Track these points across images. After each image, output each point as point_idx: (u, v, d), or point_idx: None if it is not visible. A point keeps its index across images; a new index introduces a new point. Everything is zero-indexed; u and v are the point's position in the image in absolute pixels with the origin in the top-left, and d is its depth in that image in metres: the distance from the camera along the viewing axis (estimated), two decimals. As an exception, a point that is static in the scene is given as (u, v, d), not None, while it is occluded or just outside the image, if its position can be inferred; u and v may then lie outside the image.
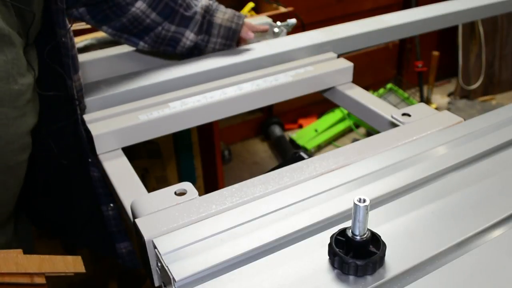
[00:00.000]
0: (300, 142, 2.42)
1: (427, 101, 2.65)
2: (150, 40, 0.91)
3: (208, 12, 0.93)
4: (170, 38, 0.92)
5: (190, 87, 0.88)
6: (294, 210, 0.56)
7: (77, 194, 0.84)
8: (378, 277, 0.46)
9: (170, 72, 0.91)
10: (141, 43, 0.91)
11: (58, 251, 1.38)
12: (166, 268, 0.48)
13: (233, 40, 0.97)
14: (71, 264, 0.56)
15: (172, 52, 0.95)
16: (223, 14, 0.95)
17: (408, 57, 2.76)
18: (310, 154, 0.71)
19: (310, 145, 2.39)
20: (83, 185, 0.80)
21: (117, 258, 0.84)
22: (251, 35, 0.98)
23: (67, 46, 0.71)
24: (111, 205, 0.80)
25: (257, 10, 1.86)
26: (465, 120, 0.74)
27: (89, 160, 0.78)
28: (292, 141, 2.46)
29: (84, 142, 0.77)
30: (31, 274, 0.52)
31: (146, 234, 0.52)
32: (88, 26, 1.44)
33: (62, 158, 0.78)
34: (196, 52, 0.96)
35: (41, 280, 0.52)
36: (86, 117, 0.79)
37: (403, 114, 0.78)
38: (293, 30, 1.13)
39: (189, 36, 0.92)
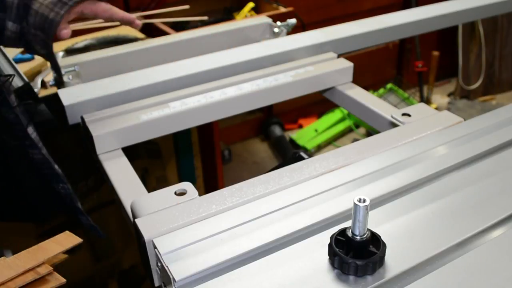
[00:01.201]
0: (300, 142, 2.42)
1: (427, 101, 2.65)
2: None
3: None
4: None
5: (190, 87, 0.88)
6: (294, 210, 0.56)
7: (23, 176, 0.79)
8: (378, 277, 0.46)
9: (170, 72, 0.91)
10: None
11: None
12: (166, 268, 0.48)
13: (48, 36, 0.73)
14: (65, 241, 0.58)
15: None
16: None
17: (408, 57, 2.76)
18: (310, 154, 0.71)
19: (310, 145, 2.39)
20: (26, 167, 0.75)
21: (83, 227, 0.82)
22: (65, 34, 0.76)
23: None
24: (61, 185, 0.77)
25: (257, 10, 1.86)
26: (465, 120, 0.74)
27: (26, 143, 0.71)
28: (292, 141, 2.46)
29: (20, 125, 0.69)
30: (33, 269, 0.53)
31: (146, 234, 0.52)
32: (88, 26, 1.44)
33: None
34: (23, 43, 0.76)
35: (46, 269, 0.53)
36: (86, 117, 0.80)
37: (403, 114, 0.78)
38: (293, 30, 1.13)
39: (9, 26, 0.73)
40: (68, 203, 0.80)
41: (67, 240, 0.58)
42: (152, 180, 1.56)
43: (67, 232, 0.59)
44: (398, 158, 0.65)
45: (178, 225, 0.54)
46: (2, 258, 0.53)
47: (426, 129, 0.72)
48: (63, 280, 0.54)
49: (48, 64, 1.27)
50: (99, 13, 0.77)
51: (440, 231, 0.52)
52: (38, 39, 0.73)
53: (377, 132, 0.80)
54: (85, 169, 1.30)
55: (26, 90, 0.86)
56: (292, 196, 0.58)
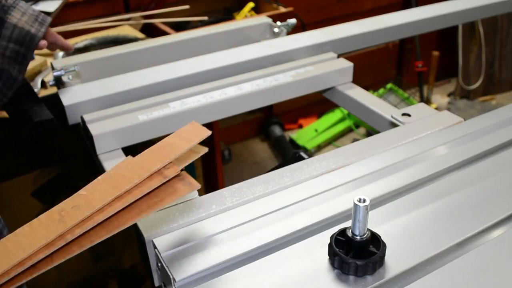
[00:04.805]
0: (300, 142, 2.42)
1: (427, 101, 2.65)
2: None
3: (0, 8, 0.76)
4: None
5: (190, 87, 0.88)
6: (294, 210, 0.56)
7: None
8: (378, 277, 0.46)
9: (170, 72, 0.91)
10: None
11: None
12: (166, 268, 0.48)
13: (29, 49, 0.78)
14: (192, 135, 0.49)
15: None
16: (21, 14, 0.77)
17: (408, 57, 2.76)
18: (310, 154, 0.71)
19: (310, 145, 2.39)
20: None
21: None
22: (43, 45, 0.81)
23: None
24: None
25: (257, 10, 1.86)
26: (465, 120, 0.74)
27: None
28: (292, 141, 2.45)
29: None
30: (159, 171, 0.45)
31: (146, 234, 0.52)
32: (88, 26, 1.44)
33: None
34: None
35: (174, 171, 0.46)
36: (86, 117, 0.80)
37: (403, 114, 0.78)
38: (293, 30, 1.13)
39: None
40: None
41: (194, 133, 0.49)
42: (152, 180, 1.56)
43: (193, 122, 0.51)
44: (398, 158, 0.65)
45: (178, 225, 0.54)
46: (128, 157, 0.46)
47: (426, 129, 0.72)
48: (197, 185, 0.47)
49: (48, 63, 1.27)
50: (50, 37, 0.85)
51: (440, 231, 0.52)
52: (10, 52, 0.77)
53: (377, 132, 0.80)
54: (85, 169, 1.30)
55: (26, 90, 0.86)
56: (292, 196, 0.58)
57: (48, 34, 0.84)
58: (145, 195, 0.45)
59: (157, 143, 0.49)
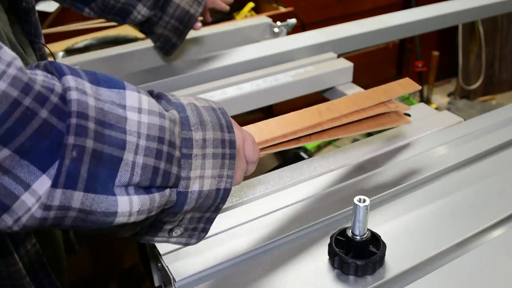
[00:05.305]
0: (300, 142, 2.42)
1: (427, 101, 2.65)
2: (97, 8, 0.85)
3: None
4: (119, 9, 0.85)
5: (190, 87, 0.88)
6: (294, 210, 0.56)
7: None
8: (378, 277, 0.46)
9: (170, 72, 0.91)
10: (87, 10, 0.85)
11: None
12: (166, 268, 0.48)
13: (187, 27, 0.88)
14: (407, 86, 0.64)
15: (121, 22, 0.89)
16: None
17: (408, 57, 2.76)
18: (310, 154, 0.72)
19: (310, 145, 2.39)
20: None
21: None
22: (198, 26, 0.91)
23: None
24: None
25: (257, 10, 1.86)
26: (465, 120, 0.74)
27: None
28: (292, 141, 2.45)
29: None
30: (384, 103, 0.60)
31: (146, 234, 0.52)
32: (88, 26, 1.44)
33: None
34: (146, 26, 0.89)
35: (395, 107, 0.60)
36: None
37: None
38: (293, 30, 1.13)
39: (141, 11, 0.85)
40: None
41: (408, 85, 0.64)
42: (152, 180, 1.56)
43: (407, 78, 0.66)
44: (398, 158, 0.65)
45: (178, 225, 0.54)
46: (357, 91, 0.60)
47: (426, 129, 0.72)
48: (409, 120, 0.63)
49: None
50: (215, 3, 0.95)
51: (440, 231, 0.52)
52: (170, 27, 0.88)
53: (377, 132, 0.80)
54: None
55: None
56: (292, 196, 0.58)
57: (205, 12, 0.94)
58: (372, 116, 0.59)
59: (378, 87, 0.62)
